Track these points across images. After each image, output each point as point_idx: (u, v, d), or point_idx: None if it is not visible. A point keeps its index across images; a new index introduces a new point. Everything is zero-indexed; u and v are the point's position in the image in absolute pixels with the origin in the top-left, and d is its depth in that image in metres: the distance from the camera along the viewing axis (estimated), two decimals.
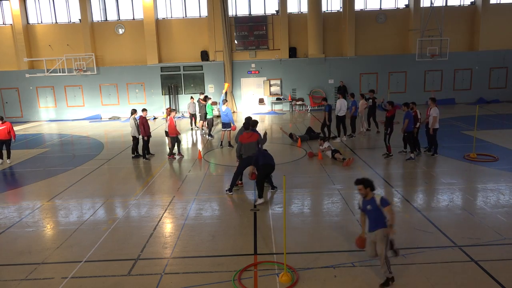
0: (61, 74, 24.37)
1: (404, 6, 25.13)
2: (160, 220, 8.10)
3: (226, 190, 9.56)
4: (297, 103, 24.99)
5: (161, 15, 25.28)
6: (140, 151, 13.55)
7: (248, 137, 9.46)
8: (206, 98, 17.02)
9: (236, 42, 25.03)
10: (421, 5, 24.08)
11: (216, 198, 9.33)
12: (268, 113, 24.46)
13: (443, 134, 14.21)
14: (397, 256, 5.78)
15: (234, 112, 24.78)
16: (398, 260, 6.06)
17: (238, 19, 24.87)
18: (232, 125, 14.28)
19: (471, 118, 17.79)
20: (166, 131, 13.69)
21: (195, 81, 25.19)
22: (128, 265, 6.26)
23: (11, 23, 24.96)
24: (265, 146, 10.20)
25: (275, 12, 24.95)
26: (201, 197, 9.40)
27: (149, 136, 13.35)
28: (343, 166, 11.49)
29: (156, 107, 24.93)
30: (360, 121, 16.35)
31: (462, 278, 5.55)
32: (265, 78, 25.23)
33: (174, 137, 13.11)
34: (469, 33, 25.25)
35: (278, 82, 25.19)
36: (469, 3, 25.12)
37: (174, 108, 13.60)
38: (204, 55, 25.07)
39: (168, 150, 13.74)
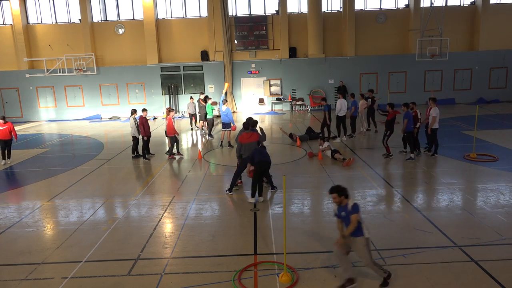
0: (61, 74, 24.37)
1: (404, 6, 25.12)
2: (160, 220, 8.10)
3: (226, 190, 9.56)
4: (297, 103, 24.99)
5: (161, 15, 25.28)
6: (140, 151, 13.55)
7: (248, 137, 9.46)
8: (206, 99, 17.01)
9: (236, 42, 25.03)
10: (421, 5, 24.07)
11: (216, 198, 9.33)
12: (268, 113, 24.46)
13: (443, 134, 14.21)
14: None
15: (234, 112, 24.77)
16: (398, 260, 6.07)
17: (238, 19, 24.87)
18: (232, 125, 14.28)
19: (471, 118, 17.79)
20: (165, 131, 13.70)
21: (195, 81, 25.19)
22: (128, 265, 6.26)
23: (11, 23, 24.96)
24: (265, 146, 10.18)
25: (275, 12, 24.95)
26: (201, 197, 9.40)
27: (149, 136, 13.36)
28: (343, 166, 11.49)
29: (156, 107, 24.93)
30: (360, 121, 16.36)
31: (462, 278, 5.55)
32: (265, 78, 25.23)
33: (172, 136, 13.12)
34: (469, 33, 25.24)
35: (278, 82, 25.19)
36: (469, 3, 25.12)
37: (172, 108, 13.60)
38: (204, 55, 25.07)
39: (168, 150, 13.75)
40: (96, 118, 25.22)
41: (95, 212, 8.69)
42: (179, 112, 24.80)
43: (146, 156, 13.33)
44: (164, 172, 11.91)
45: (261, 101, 25.28)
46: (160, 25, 25.13)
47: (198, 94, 19.04)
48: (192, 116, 19.09)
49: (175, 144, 13.29)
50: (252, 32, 24.89)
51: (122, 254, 6.64)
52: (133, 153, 13.65)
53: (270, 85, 25.26)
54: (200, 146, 15.47)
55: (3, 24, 25.48)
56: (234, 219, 8.15)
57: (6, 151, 13.49)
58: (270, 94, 25.33)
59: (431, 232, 7.00)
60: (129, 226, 7.87)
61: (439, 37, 22.89)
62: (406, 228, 7.23)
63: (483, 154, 11.95)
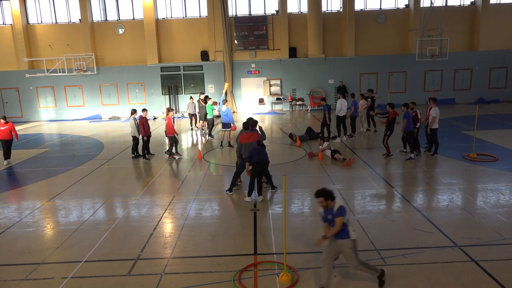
0: (61, 74, 24.37)
1: (404, 6, 25.12)
2: (160, 220, 8.10)
3: (226, 190, 9.56)
4: (297, 103, 24.99)
5: (161, 15, 25.28)
6: (140, 151, 13.55)
7: (248, 137, 9.47)
8: (206, 99, 17.00)
9: (236, 42, 25.03)
10: (421, 5, 24.07)
11: (216, 198, 9.33)
12: (268, 113, 24.46)
13: (443, 134, 14.20)
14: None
15: (234, 112, 24.77)
16: (398, 260, 6.06)
17: (238, 19, 24.87)
18: (232, 125, 14.28)
19: (471, 118, 17.78)
20: (165, 131, 13.69)
21: (195, 81, 25.19)
22: (128, 265, 6.26)
23: (11, 23, 24.97)
24: (265, 148, 10.17)
25: (275, 12, 24.95)
26: (201, 197, 9.40)
27: (149, 136, 13.36)
28: (343, 166, 11.48)
29: (156, 107, 24.93)
30: (360, 121, 16.37)
31: (462, 278, 5.55)
32: (265, 78, 25.23)
33: (171, 136, 13.12)
34: (469, 33, 25.24)
35: (278, 82, 25.19)
36: (469, 3, 25.12)
37: (172, 108, 13.63)
38: (204, 55, 25.07)
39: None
40: (96, 118, 25.22)
41: (95, 212, 8.69)
42: (179, 112, 24.80)
43: (146, 156, 13.33)
44: (164, 172, 11.91)
45: (261, 101, 25.28)
46: (160, 25, 25.13)
47: (198, 94, 19.04)
48: (192, 116, 19.09)
49: (174, 144, 13.30)
50: (252, 32, 24.89)
51: (122, 254, 6.64)
52: (133, 153, 13.65)
53: (270, 85, 25.26)
54: (200, 146, 15.47)
55: (3, 24, 25.49)
56: (234, 219, 8.15)
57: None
58: (270, 94, 25.33)
59: (431, 232, 7.00)
60: (129, 226, 7.87)
61: (439, 37, 22.89)
62: (406, 228, 7.23)
63: (483, 154, 11.95)
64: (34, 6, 25.27)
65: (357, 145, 14.46)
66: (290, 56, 25.01)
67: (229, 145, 14.71)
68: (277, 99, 25.18)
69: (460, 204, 8.39)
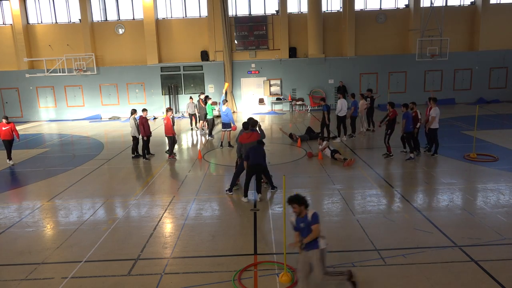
0: (61, 74, 24.37)
1: (404, 6, 25.12)
2: (160, 220, 8.10)
3: (226, 190, 9.56)
4: (297, 103, 24.99)
5: (161, 15, 25.27)
6: (140, 151, 13.55)
7: (247, 137, 9.47)
8: (206, 99, 17.00)
9: (236, 42, 25.02)
10: (421, 5, 24.06)
11: (216, 198, 9.33)
12: (268, 113, 24.46)
13: (443, 134, 14.20)
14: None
15: (234, 112, 24.77)
16: (398, 260, 6.06)
17: (238, 19, 24.87)
18: (232, 125, 14.28)
19: (471, 118, 17.78)
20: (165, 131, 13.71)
21: (195, 81, 25.19)
22: (128, 265, 6.26)
23: (11, 23, 24.96)
24: (265, 147, 10.16)
25: (275, 12, 24.95)
26: (201, 197, 9.40)
27: (149, 136, 13.36)
28: (344, 167, 11.48)
29: (156, 107, 24.93)
30: (360, 121, 16.37)
31: (462, 278, 5.55)
32: (265, 78, 25.23)
33: (170, 136, 13.12)
34: (469, 33, 25.24)
35: (278, 82, 25.19)
36: (469, 3, 25.11)
37: (171, 108, 13.64)
38: (204, 55, 25.07)
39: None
40: (96, 118, 25.22)
41: (95, 212, 8.69)
42: (179, 112, 24.80)
43: (146, 156, 13.33)
44: (164, 172, 11.91)
45: (261, 101, 25.27)
46: (160, 25, 25.13)
47: (198, 94, 19.03)
48: (192, 116, 19.09)
49: (172, 144, 13.30)
50: (252, 32, 24.88)
51: (122, 254, 6.64)
52: (133, 153, 13.65)
53: (270, 85, 25.25)
54: (200, 146, 15.47)
55: (3, 24, 25.48)
56: (234, 219, 8.15)
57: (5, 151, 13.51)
58: (270, 94, 25.33)
59: (431, 232, 7.00)
60: (129, 226, 7.87)
61: (439, 37, 22.89)
62: (406, 228, 7.23)
63: (483, 154, 11.95)
64: (34, 6, 25.27)
65: (357, 145, 14.46)
66: (290, 56, 25.00)
67: (229, 145, 14.71)
68: (277, 99, 25.18)
69: (460, 204, 8.39)
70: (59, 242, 7.19)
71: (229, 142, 14.81)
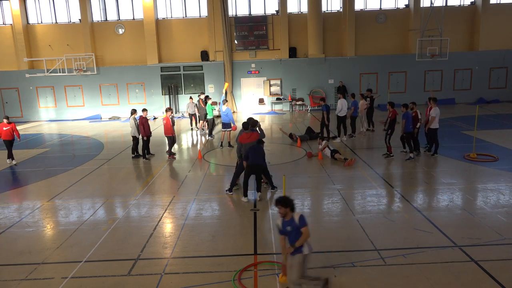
0: (61, 74, 24.37)
1: (404, 6, 25.12)
2: (160, 220, 8.10)
3: (226, 190, 9.56)
4: (297, 103, 24.99)
5: (161, 15, 25.27)
6: (140, 151, 13.55)
7: (247, 137, 9.47)
8: (206, 99, 16.99)
9: (236, 42, 25.02)
10: (421, 5, 24.06)
11: (216, 198, 9.33)
12: (268, 113, 24.46)
13: (443, 134, 14.20)
14: None
15: (234, 112, 24.77)
16: (398, 260, 6.06)
17: (238, 19, 24.86)
18: (232, 125, 14.28)
19: (471, 118, 17.78)
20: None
21: (195, 81, 25.19)
22: (128, 265, 6.26)
23: (11, 23, 24.95)
24: (265, 147, 10.17)
25: (275, 12, 24.94)
26: (201, 197, 9.40)
27: (149, 136, 13.36)
28: (344, 167, 11.48)
29: (156, 107, 24.93)
30: (360, 121, 16.38)
31: (462, 278, 5.55)
32: (265, 78, 25.23)
33: (169, 136, 13.13)
34: (469, 33, 25.24)
35: (278, 82, 25.18)
36: (469, 3, 25.11)
37: (170, 107, 13.64)
38: (204, 55, 25.07)
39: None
40: (96, 118, 25.22)
41: (95, 212, 8.69)
42: (179, 112, 24.80)
43: (146, 156, 13.33)
44: (164, 172, 11.91)
45: (261, 101, 25.27)
46: (160, 25, 25.13)
47: (198, 94, 19.03)
48: (192, 116, 19.09)
49: (171, 144, 13.30)
50: (252, 32, 24.88)
51: (122, 254, 6.64)
52: (133, 153, 13.65)
53: (270, 85, 25.25)
54: (200, 146, 15.47)
55: (3, 24, 25.48)
56: (234, 219, 8.15)
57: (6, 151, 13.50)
58: (270, 94, 25.33)
59: (431, 232, 7.00)
60: (129, 226, 7.87)
61: (439, 37, 22.88)
62: (406, 228, 7.23)
63: (483, 154, 11.95)
64: (34, 6, 25.27)
65: (357, 145, 14.46)
66: (290, 56, 25.00)
67: (229, 145, 14.71)
68: (277, 99, 25.18)
69: (460, 204, 8.39)
70: (59, 242, 7.19)
71: (229, 142, 14.81)
